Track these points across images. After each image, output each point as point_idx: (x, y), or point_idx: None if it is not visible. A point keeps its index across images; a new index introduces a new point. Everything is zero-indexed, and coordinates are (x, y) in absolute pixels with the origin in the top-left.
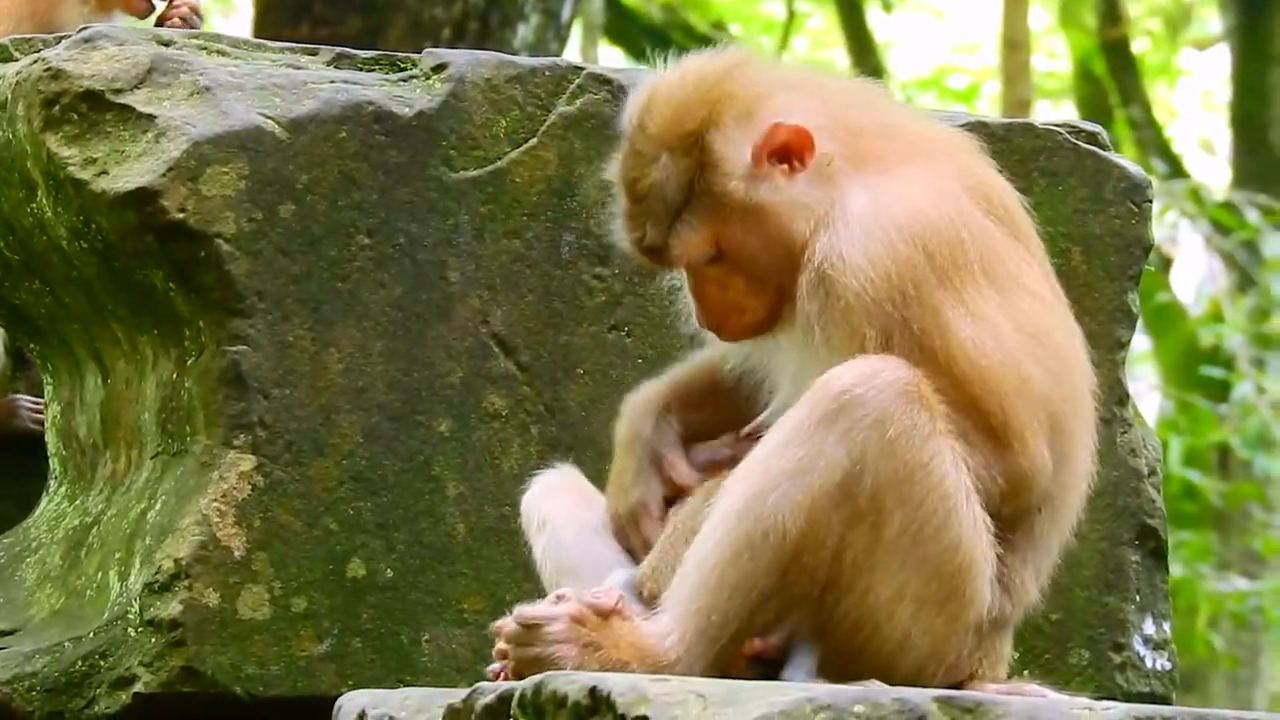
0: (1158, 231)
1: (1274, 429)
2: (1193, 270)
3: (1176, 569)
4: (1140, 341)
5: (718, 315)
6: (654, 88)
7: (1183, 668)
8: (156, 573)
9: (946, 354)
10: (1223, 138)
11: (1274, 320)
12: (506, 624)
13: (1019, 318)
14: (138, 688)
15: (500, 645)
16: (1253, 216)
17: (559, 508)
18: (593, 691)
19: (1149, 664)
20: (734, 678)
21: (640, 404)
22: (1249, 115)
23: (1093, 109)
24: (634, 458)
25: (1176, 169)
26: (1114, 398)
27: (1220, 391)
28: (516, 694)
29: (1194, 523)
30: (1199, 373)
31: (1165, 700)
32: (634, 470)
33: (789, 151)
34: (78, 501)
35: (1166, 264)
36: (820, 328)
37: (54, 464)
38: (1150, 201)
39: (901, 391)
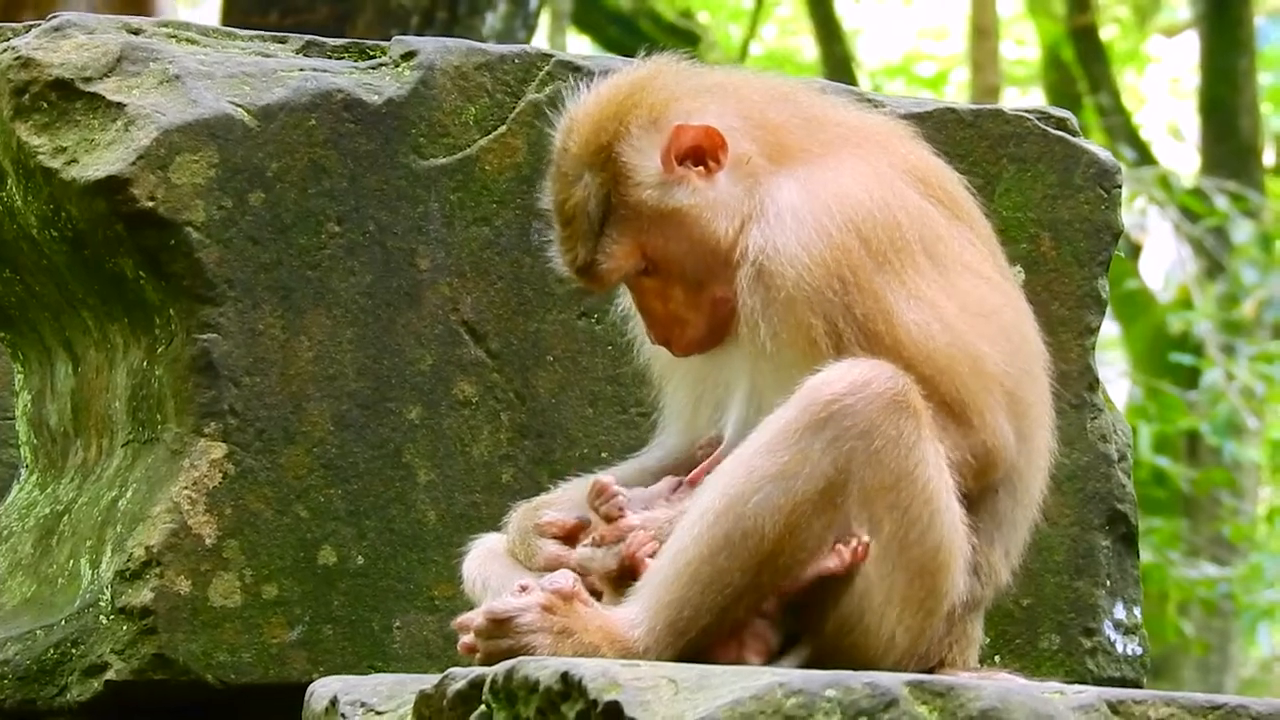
0: (1127, 218)
1: (1243, 415)
2: (1162, 257)
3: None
4: (1109, 328)
5: (663, 329)
6: (574, 109)
7: (1153, 654)
8: (128, 560)
9: (893, 339)
10: (1191, 124)
11: (1243, 307)
12: (473, 619)
13: (965, 298)
14: (109, 675)
15: (466, 639)
16: (1221, 203)
17: (498, 569)
18: (564, 676)
19: (1120, 649)
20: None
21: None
22: (1218, 101)
23: (1061, 96)
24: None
25: (1145, 156)
26: (1084, 383)
27: (1189, 378)
28: (488, 679)
29: (1164, 509)
30: (1168, 359)
31: (1136, 684)
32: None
33: (701, 152)
34: (49, 490)
35: (1135, 250)
36: (765, 323)
37: (25, 452)
38: (1120, 187)
39: (890, 402)
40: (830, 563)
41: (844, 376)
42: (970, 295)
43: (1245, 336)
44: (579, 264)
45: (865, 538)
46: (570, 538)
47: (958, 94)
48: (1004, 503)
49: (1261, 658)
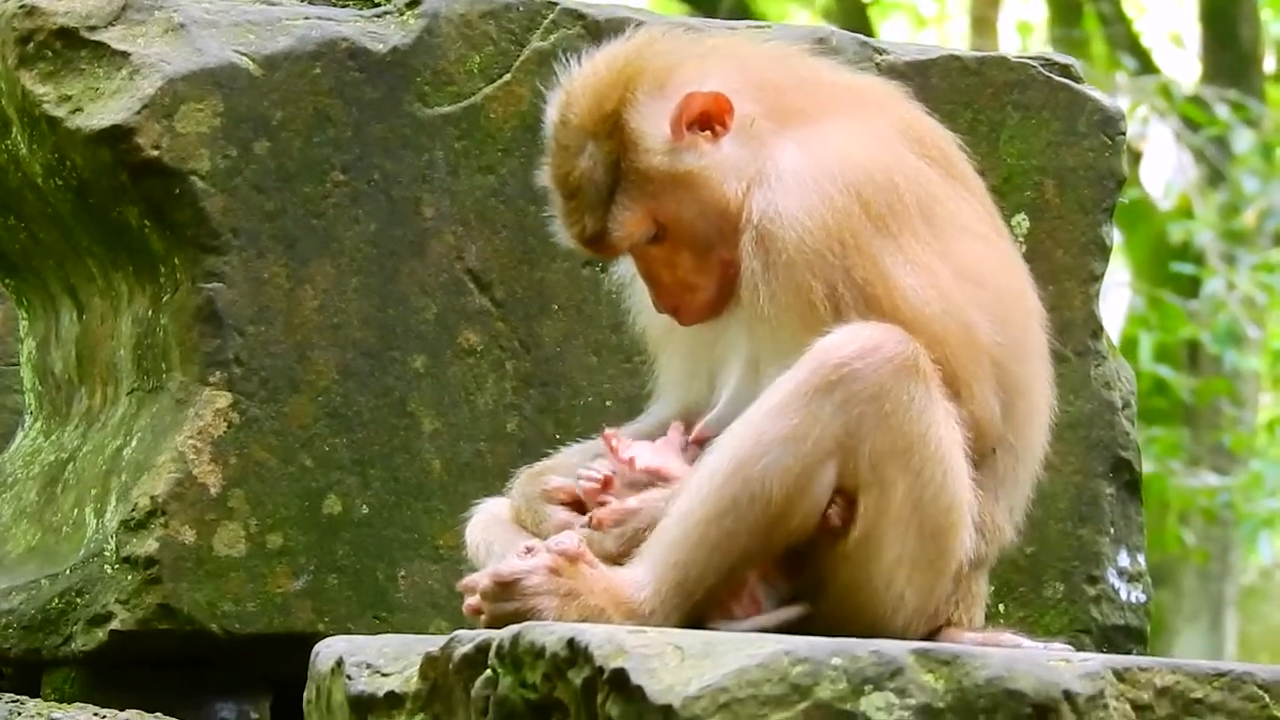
0: (1130, 126)
1: (1244, 325)
2: (1162, 165)
3: (1147, 465)
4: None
5: (672, 297)
6: (570, 82)
7: (1153, 563)
8: (133, 510)
9: (891, 303)
10: (1192, 32)
11: (1244, 216)
12: (479, 581)
13: (960, 262)
14: (114, 625)
15: (471, 601)
16: (1223, 112)
17: (502, 534)
18: (570, 643)
19: (1124, 596)
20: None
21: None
22: (1218, 9)
23: (1063, 6)
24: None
25: (1146, 64)
26: (1088, 330)
27: (1190, 287)
28: (494, 644)
29: (1164, 418)
30: (1169, 268)
31: (1140, 632)
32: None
33: (709, 118)
34: (53, 437)
35: (1136, 158)
36: (765, 285)
37: (29, 399)
38: (1124, 134)
39: (900, 366)
40: (832, 521)
41: (854, 340)
42: (965, 258)
43: (1246, 245)
44: (589, 234)
45: (865, 501)
46: (578, 503)
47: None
48: (1004, 461)
49: (1262, 566)
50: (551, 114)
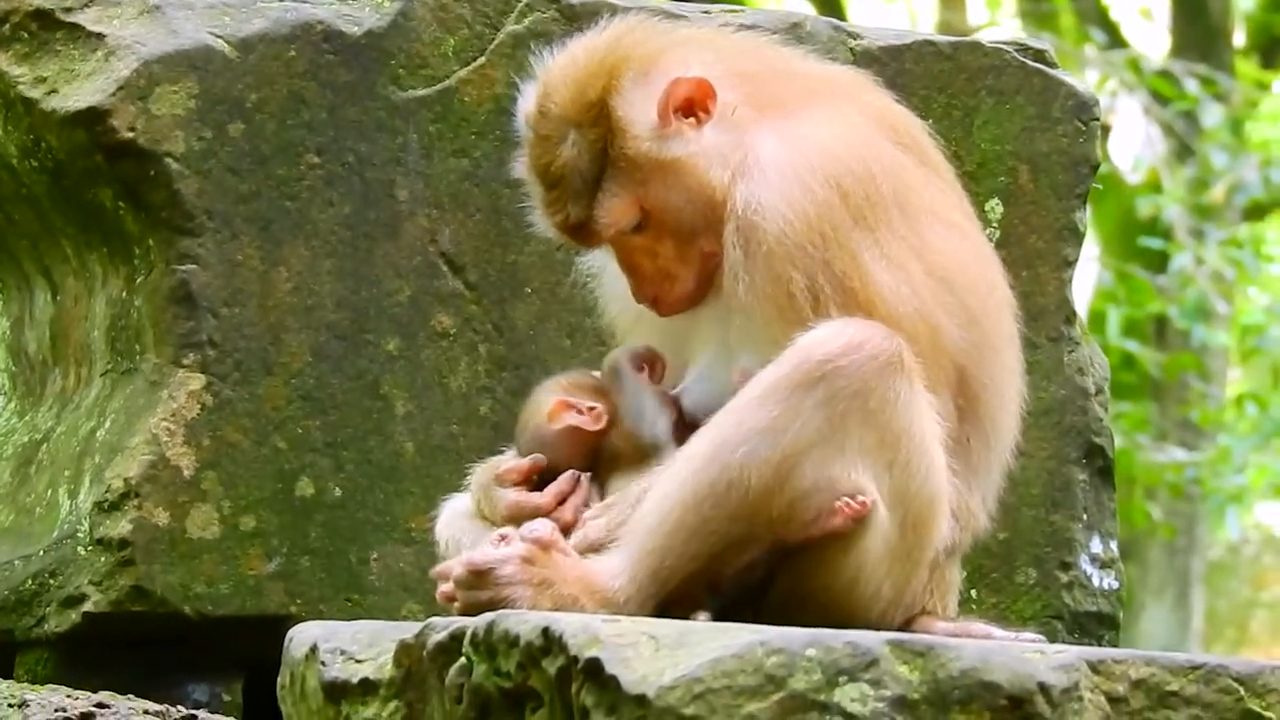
0: (1099, 100)
1: (1212, 300)
2: (1130, 139)
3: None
4: None
5: (652, 286)
6: (546, 74)
7: (1121, 538)
8: (106, 491)
9: (867, 297)
10: (1162, 6)
11: (1212, 191)
12: (452, 568)
13: (932, 257)
14: (87, 606)
15: (445, 588)
16: (1192, 86)
17: (470, 527)
18: (545, 631)
19: (1096, 583)
20: (683, 618)
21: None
22: None
23: None
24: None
25: (1115, 38)
26: (1061, 316)
27: (1159, 262)
28: (469, 632)
29: (1132, 393)
30: (1137, 243)
31: (1113, 619)
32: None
33: (693, 104)
34: (27, 417)
35: (1105, 133)
36: (746, 274)
37: (3, 379)
38: (1098, 120)
39: (885, 364)
40: (834, 521)
41: (838, 337)
42: (937, 251)
43: (1215, 220)
44: (573, 222)
45: (866, 496)
46: (528, 480)
47: None
48: (977, 451)
49: (1229, 541)
50: (527, 106)
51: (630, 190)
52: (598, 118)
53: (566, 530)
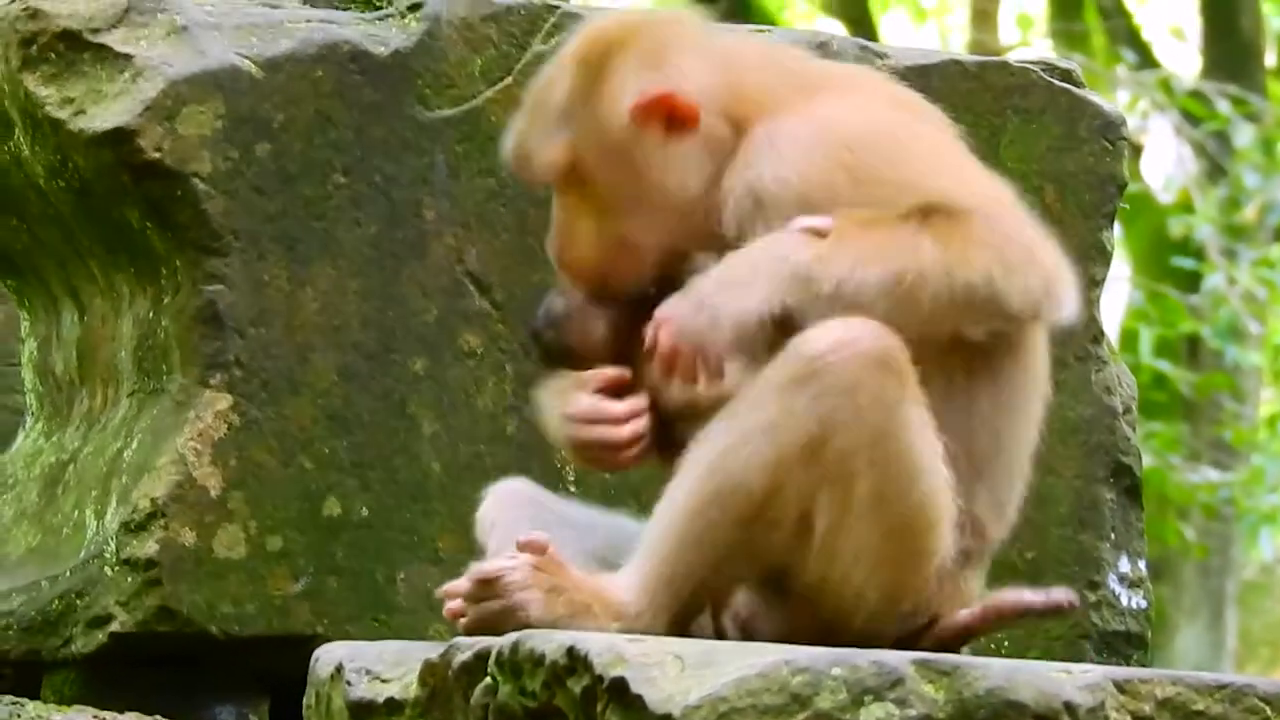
0: (1130, 120)
1: (1244, 320)
2: (1162, 159)
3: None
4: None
5: (558, 239)
6: (588, 24)
7: (1153, 558)
8: (133, 512)
9: None
10: (1193, 26)
11: (1245, 211)
12: (460, 586)
13: None
14: (114, 627)
15: (452, 605)
16: (1223, 107)
17: (513, 514)
18: (570, 651)
19: (1125, 602)
20: (698, 635)
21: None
22: (1219, 3)
23: None
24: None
25: (1147, 58)
26: (1089, 335)
27: (1191, 282)
28: (493, 651)
29: (1164, 413)
30: (1169, 263)
31: (1141, 638)
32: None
33: (671, 120)
34: (54, 438)
35: (1136, 153)
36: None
37: (30, 400)
38: (1125, 139)
39: (875, 361)
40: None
41: (828, 334)
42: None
43: (1247, 240)
44: (516, 147)
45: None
46: (612, 390)
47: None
48: (982, 454)
49: (1263, 561)
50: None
51: (573, 142)
52: (596, 67)
53: (619, 446)
